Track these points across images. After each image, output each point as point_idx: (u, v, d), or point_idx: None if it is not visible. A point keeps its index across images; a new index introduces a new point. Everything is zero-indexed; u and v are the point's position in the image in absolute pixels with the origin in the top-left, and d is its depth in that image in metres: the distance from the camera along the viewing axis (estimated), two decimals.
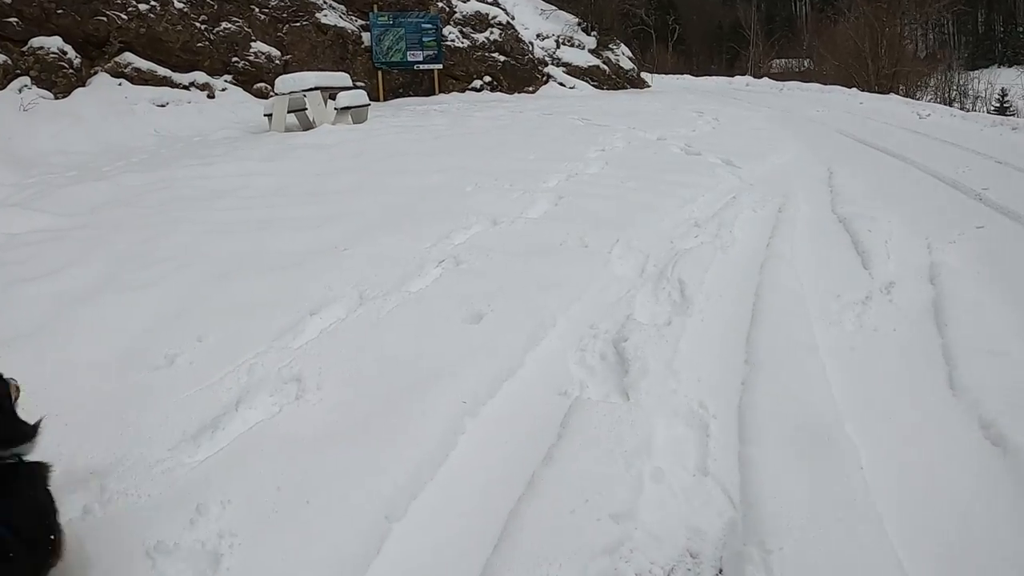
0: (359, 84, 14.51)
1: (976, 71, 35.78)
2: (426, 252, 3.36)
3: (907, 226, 4.36)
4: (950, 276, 3.36)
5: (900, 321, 2.90)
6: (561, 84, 17.84)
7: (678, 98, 16.42)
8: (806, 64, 38.49)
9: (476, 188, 4.75)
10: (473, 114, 10.39)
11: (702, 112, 11.40)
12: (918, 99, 22.73)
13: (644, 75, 21.85)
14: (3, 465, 1.33)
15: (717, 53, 55.16)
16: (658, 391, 2.13)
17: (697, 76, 32.61)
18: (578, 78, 18.41)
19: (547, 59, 18.35)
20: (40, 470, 1.41)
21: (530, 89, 17.30)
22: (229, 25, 13.10)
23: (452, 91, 15.89)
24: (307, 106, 8.84)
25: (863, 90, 20.75)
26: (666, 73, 32.16)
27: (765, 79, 25.54)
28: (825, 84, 21.85)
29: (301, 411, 2.05)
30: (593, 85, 18.62)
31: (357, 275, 3.00)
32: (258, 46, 13.37)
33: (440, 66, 15.43)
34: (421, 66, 15.19)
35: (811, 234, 4.06)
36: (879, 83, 23.40)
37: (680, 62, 42.92)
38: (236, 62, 13.02)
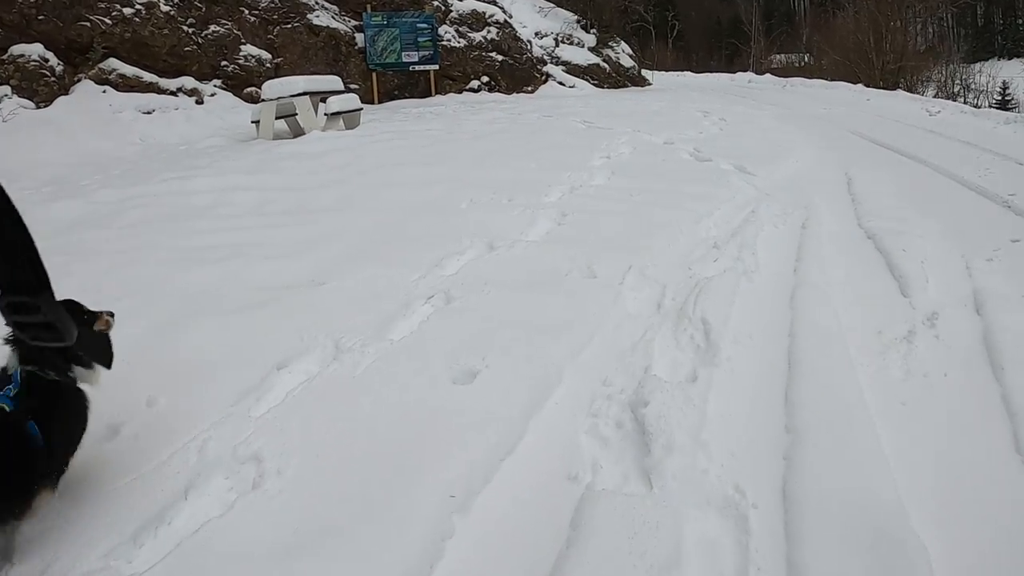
0: (353, 87, 14.16)
1: (976, 64, 35.28)
2: (413, 286, 3.01)
3: (940, 242, 4.01)
4: (997, 304, 3.02)
5: (951, 363, 2.55)
6: (561, 83, 17.47)
7: (681, 96, 16.06)
8: (805, 59, 38.12)
9: (471, 204, 4.40)
10: (470, 117, 10.03)
11: (707, 112, 11.04)
12: (921, 94, 22.35)
13: (645, 73, 21.48)
14: (59, 382, 1.56)
15: (716, 49, 54.79)
16: (686, 473, 1.78)
17: (698, 73, 32.23)
18: (578, 77, 18.04)
19: (546, 58, 17.98)
20: (83, 398, 1.65)
21: (529, 89, 16.93)
22: (218, 28, 12.74)
23: (449, 92, 15.53)
24: (296, 112, 8.48)
25: (868, 86, 20.38)
26: (666, 70, 31.78)
27: (767, 75, 25.15)
28: (829, 80, 21.45)
29: (258, 505, 1.70)
30: (593, 84, 18.25)
31: (334, 317, 2.64)
32: (248, 49, 13.01)
33: (436, 67, 15.06)
34: (417, 67, 14.83)
35: (840, 254, 3.71)
36: (883, 78, 23.01)
37: (680, 59, 42.53)
38: (225, 66, 12.67)
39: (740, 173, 5.60)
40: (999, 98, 30.18)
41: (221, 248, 3.73)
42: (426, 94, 15.03)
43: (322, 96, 9.34)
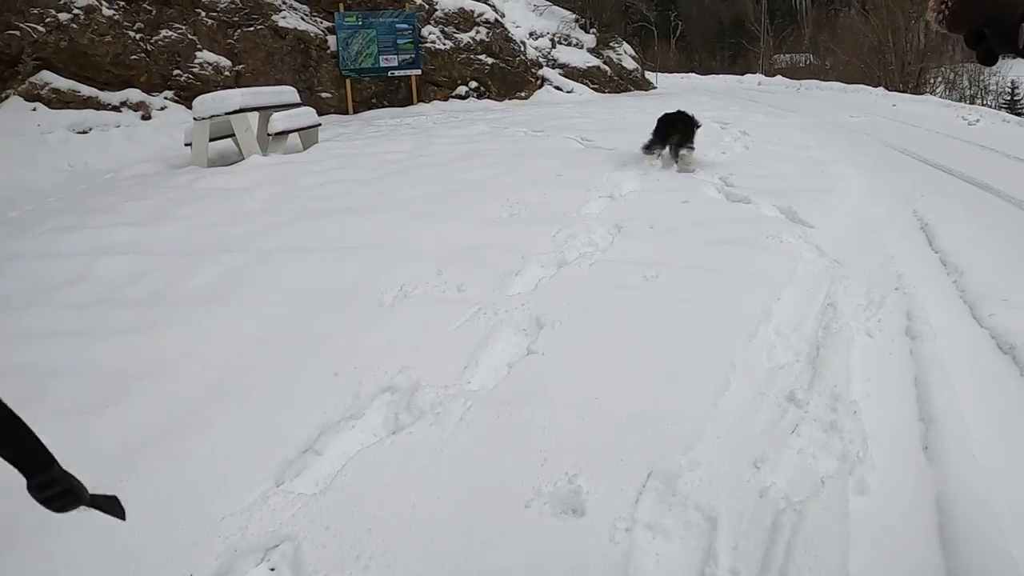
0: (324, 95, 12.72)
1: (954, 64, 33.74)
2: (242, 532, 1.56)
3: None
4: None
5: None
6: (558, 88, 16.00)
7: (690, 102, 14.53)
8: (810, 59, 36.63)
9: (399, 296, 2.95)
10: (447, 132, 8.56)
11: (725, 123, 9.57)
12: (933, 94, 20.87)
13: (648, 75, 20.00)
14: None
15: (719, 50, 53.40)
16: None
17: (703, 75, 30.71)
18: (576, 80, 16.56)
19: (541, 60, 16.51)
20: None
21: (522, 95, 15.47)
22: (170, 33, 11.31)
23: (433, 99, 14.07)
24: (235, 132, 7.04)
25: (889, 89, 18.91)
26: (669, 71, 30.27)
27: (778, 77, 23.66)
28: (847, 83, 19.94)
29: None
30: (593, 88, 16.78)
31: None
32: (204, 56, 11.58)
33: (418, 71, 13.60)
34: (396, 72, 13.36)
35: (979, 398, 2.26)
36: (902, 80, 21.53)
37: (682, 60, 41.06)
38: (178, 75, 11.24)
39: (791, 223, 4.14)
40: (1008, 99, 28.80)
41: (23, 370, 2.33)
42: (407, 102, 13.57)
43: (272, 111, 7.91)
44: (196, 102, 7.06)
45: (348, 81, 12.87)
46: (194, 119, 7.06)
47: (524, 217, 4.06)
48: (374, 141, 8.01)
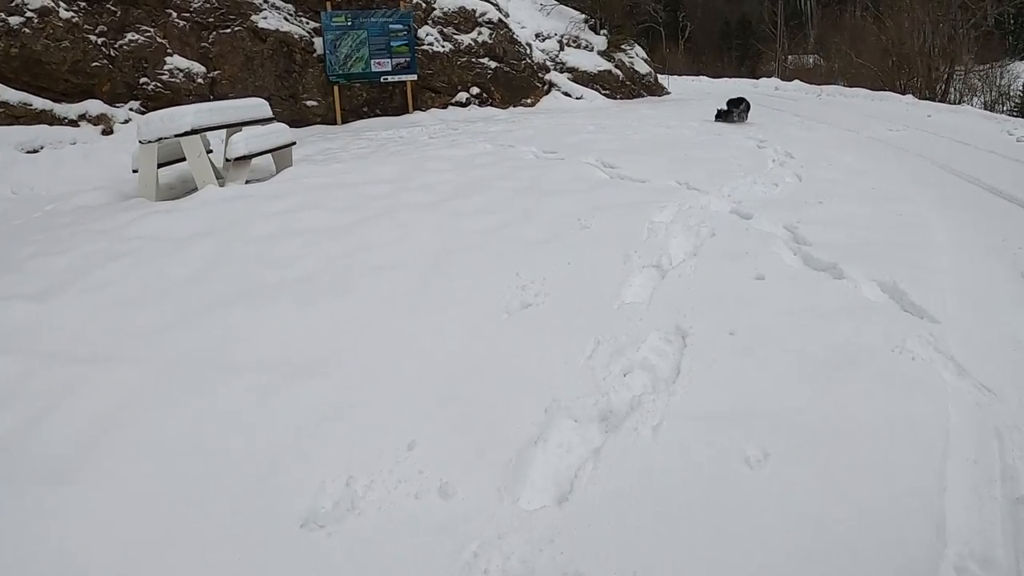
0: (310, 103, 11.49)
1: (983, 65, 32.50)
2: None
3: None
4: None
5: None
6: (566, 94, 14.78)
7: (711, 111, 13.36)
8: (818, 61, 35.37)
9: (338, 506, 1.73)
10: (442, 152, 7.33)
11: (762, 141, 8.35)
12: (968, 105, 19.64)
13: (661, 80, 18.78)
14: None
15: (726, 51, 52.26)
16: None
17: (714, 78, 29.43)
18: (586, 86, 15.33)
19: (549, 64, 15.28)
20: None
21: (528, 101, 14.25)
22: (136, 36, 10.11)
23: (431, 107, 12.86)
24: (186, 157, 5.83)
25: (919, 97, 17.66)
26: (678, 74, 28.98)
27: (796, 81, 22.41)
28: (872, 90, 18.69)
29: None
30: (604, 94, 15.55)
31: None
32: (175, 61, 10.38)
33: (414, 77, 12.37)
34: (390, 78, 12.13)
35: None
36: (929, 87, 20.25)
37: (691, 62, 39.81)
38: (145, 84, 10.04)
39: (907, 314, 2.94)
40: (1019, 102, 27.69)
41: None
42: (402, 110, 12.35)
43: (240, 128, 6.72)
44: (141, 122, 5.85)
45: (336, 88, 11.64)
46: (139, 142, 5.86)
47: (543, 309, 2.83)
48: (358, 163, 6.78)
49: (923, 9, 20.70)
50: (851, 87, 19.30)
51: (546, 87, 14.76)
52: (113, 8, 10.01)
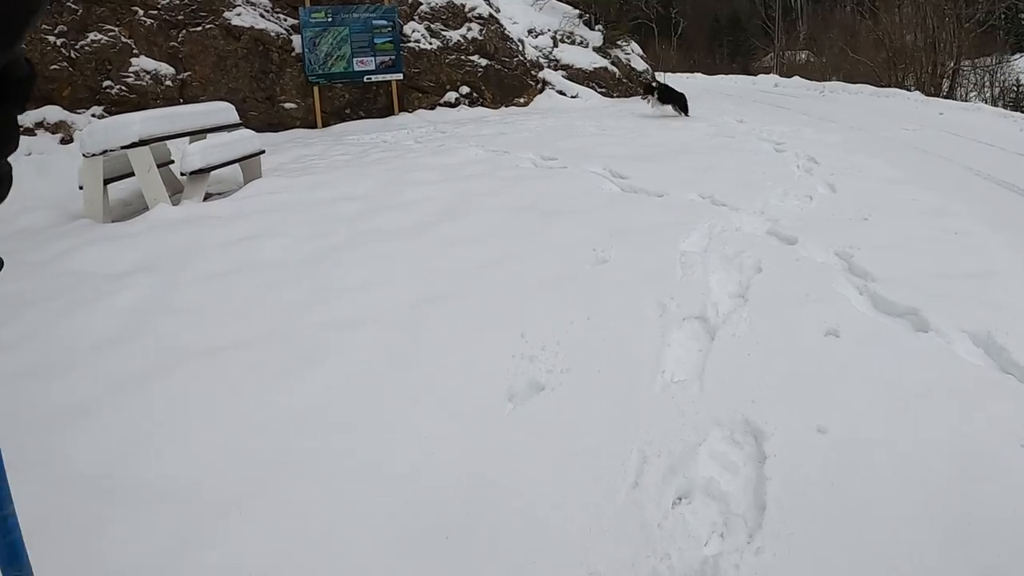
0: (288, 106, 10.70)
1: (985, 61, 32.05)
2: None
3: None
4: None
5: None
6: (561, 93, 14.04)
7: (714, 110, 12.65)
8: (805, 57, 34.75)
9: None
10: (428, 160, 6.57)
11: (779, 144, 7.66)
12: (953, 96, 19.06)
13: (658, 77, 18.05)
14: None
15: (717, 48, 51.69)
16: None
17: (709, 75, 28.73)
18: (581, 84, 14.59)
19: (542, 61, 14.53)
20: None
21: (520, 101, 13.51)
22: (99, 36, 9.31)
23: (418, 107, 12.09)
24: (135, 172, 5.07)
25: (927, 93, 17.01)
26: (671, 71, 28.25)
27: (796, 78, 21.73)
28: (872, 85, 18.02)
29: None
30: (600, 92, 14.82)
31: None
32: (142, 62, 9.58)
33: (400, 76, 11.60)
34: (373, 77, 11.36)
35: None
36: (934, 83, 19.64)
37: (683, 58, 39.17)
38: (109, 87, 9.24)
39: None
40: (1013, 96, 27.24)
41: None
42: (387, 112, 11.57)
43: (204, 136, 5.99)
44: (84, 133, 5.09)
45: (316, 89, 10.86)
46: (83, 155, 5.09)
47: (559, 395, 2.10)
48: (333, 174, 6.03)
49: (922, 3, 20.09)
50: (853, 83, 18.59)
51: (539, 85, 14.02)
52: (74, 6, 9.21)
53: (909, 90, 16.91)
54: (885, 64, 21.57)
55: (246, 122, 10.15)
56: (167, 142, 5.56)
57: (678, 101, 10.78)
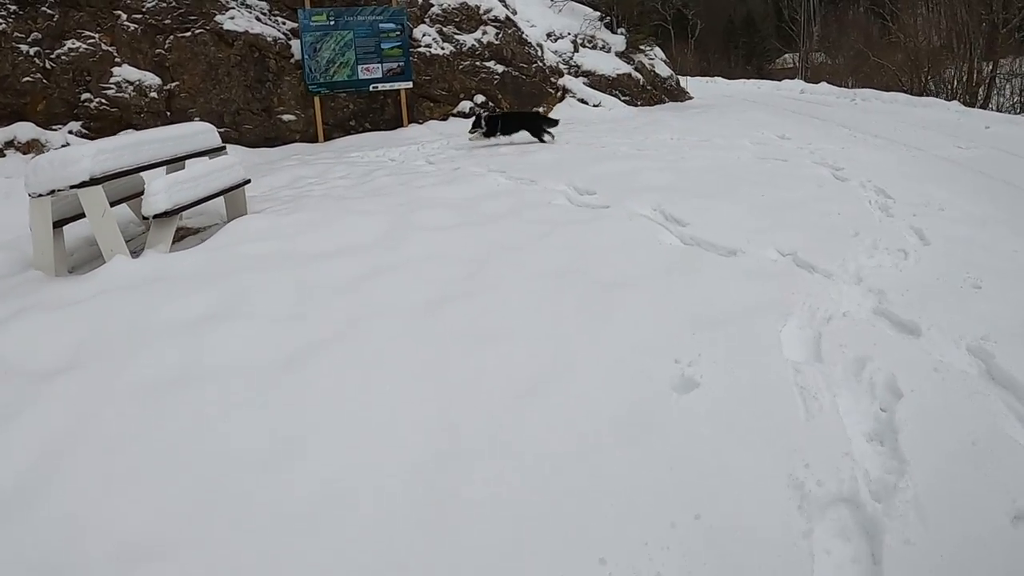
0: (286, 118, 9.80)
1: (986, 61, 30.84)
2: None
3: None
4: None
5: None
6: (582, 101, 13.10)
7: (743, 120, 11.68)
8: (821, 58, 33.67)
9: None
10: (440, 192, 5.65)
11: (838, 169, 6.68)
12: (989, 106, 17.97)
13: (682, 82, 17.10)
14: None
15: (732, 50, 50.68)
16: None
17: (730, 79, 27.69)
18: (604, 91, 13.65)
19: (562, 67, 13.60)
20: None
21: (540, 111, 12.59)
22: (78, 43, 8.45)
23: (430, 118, 11.19)
24: (87, 216, 4.19)
25: (965, 104, 15.97)
26: (689, 74, 27.25)
27: (823, 84, 20.72)
28: (914, 95, 16.99)
29: None
30: (624, 100, 13.87)
31: None
32: (124, 72, 8.72)
33: (409, 84, 10.70)
34: (380, 86, 10.46)
35: None
36: (970, 91, 18.55)
37: (700, 61, 38.14)
38: (88, 101, 8.39)
39: None
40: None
41: None
42: (396, 123, 10.68)
43: (179, 166, 5.13)
44: (28, 169, 4.18)
45: (317, 99, 9.96)
46: (29, 196, 4.20)
47: None
48: (327, 210, 5.10)
49: (961, 3, 19.00)
50: (886, 91, 17.54)
51: (560, 93, 13.09)
52: (49, 11, 8.35)
53: (947, 100, 15.87)
54: (907, 68, 20.52)
55: (240, 136, 9.28)
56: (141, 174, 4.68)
57: (529, 126, 8.74)
